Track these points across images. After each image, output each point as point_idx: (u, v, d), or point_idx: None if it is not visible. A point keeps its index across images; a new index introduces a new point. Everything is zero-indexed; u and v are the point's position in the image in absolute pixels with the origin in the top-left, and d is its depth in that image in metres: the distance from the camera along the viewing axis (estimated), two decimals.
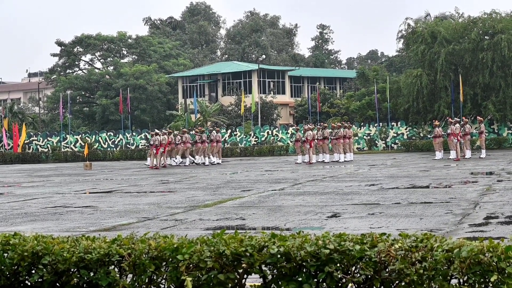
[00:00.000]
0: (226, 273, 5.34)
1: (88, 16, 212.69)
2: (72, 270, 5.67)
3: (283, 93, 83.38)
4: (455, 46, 56.84)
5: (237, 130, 64.52)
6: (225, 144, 63.18)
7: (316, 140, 41.77)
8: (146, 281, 5.56)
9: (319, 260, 5.20)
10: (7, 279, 5.80)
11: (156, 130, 44.92)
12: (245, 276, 5.41)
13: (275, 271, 5.33)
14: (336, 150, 42.79)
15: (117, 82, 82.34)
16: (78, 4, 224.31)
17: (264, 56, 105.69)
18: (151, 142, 42.27)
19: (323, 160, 42.07)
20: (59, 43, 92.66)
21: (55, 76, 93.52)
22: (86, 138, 65.15)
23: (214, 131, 44.86)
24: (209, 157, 43.83)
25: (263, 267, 5.36)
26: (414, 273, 5.01)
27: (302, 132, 42.49)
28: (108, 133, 65.66)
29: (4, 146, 64.85)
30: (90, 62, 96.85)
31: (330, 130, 43.30)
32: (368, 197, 18.34)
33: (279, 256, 5.26)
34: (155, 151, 41.35)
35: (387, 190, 20.14)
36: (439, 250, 5.06)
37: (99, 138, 65.31)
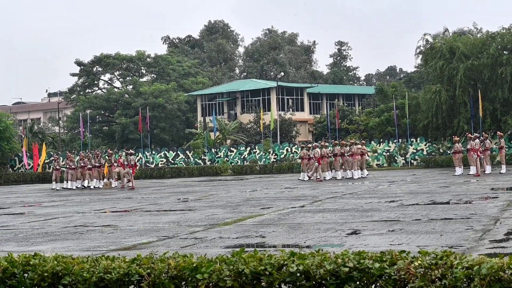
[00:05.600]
0: None
1: (107, 35, 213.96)
2: None
3: (302, 110, 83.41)
4: (473, 61, 56.73)
5: (256, 147, 64.55)
6: (244, 161, 63.23)
7: (326, 158, 42.01)
8: None
9: (338, 278, 5.19)
10: None
11: (114, 150, 46.71)
12: None
13: None
14: (349, 167, 42.74)
15: (136, 101, 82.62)
16: (97, 24, 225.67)
17: (282, 74, 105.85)
18: (126, 162, 43.34)
19: (335, 177, 42.25)
20: (79, 63, 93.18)
21: (74, 95, 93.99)
22: (106, 157, 65.28)
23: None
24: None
25: (283, 286, 5.35)
26: None
27: (306, 149, 42.84)
28: (127, 152, 65.68)
29: (25, 166, 65.14)
30: (109, 81, 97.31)
31: (339, 147, 43.29)
32: (388, 213, 18.28)
33: (298, 274, 5.26)
34: (131, 171, 42.67)
35: (407, 207, 20.07)
36: (459, 267, 5.03)
37: (118, 157, 65.35)
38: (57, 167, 46.28)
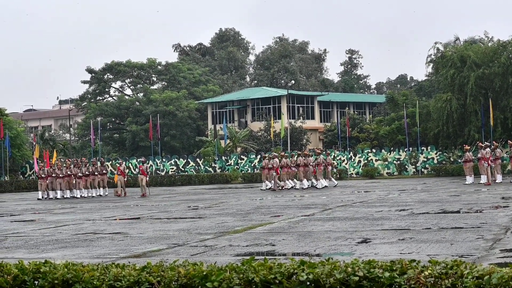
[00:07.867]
0: None
1: (118, 43, 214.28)
2: None
3: (313, 118, 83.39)
4: (484, 70, 56.64)
5: (267, 155, 64.48)
6: (255, 169, 63.21)
7: (286, 168, 42.59)
8: None
9: None
10: None
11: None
12: None
13: None
14: (317, 176, 43.05)
15: (147, 108, 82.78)
16: (108, 32, 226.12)
17: (293, 82, 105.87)
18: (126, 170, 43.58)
19: (293, 186, 43.10)
20: (90, 70, 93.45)
21: (85, 103, 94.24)
22: (116, 164, 65.43)
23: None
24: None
25: None
26: None
27: (267, 159, 43.51)
28: (139, 159, 65.89)
29: (36, 173, 65.25)
30: (120, 89, 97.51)
31: (302, 157, 43.49)
32: (398, 222, 18.24)
33: (308, 283, 5.25)
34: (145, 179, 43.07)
35: (417, 215, 20.02)
36: (469, 277, 5.02)
37: (129, 164, 65.45)
38: (43, 175, 45.21)
